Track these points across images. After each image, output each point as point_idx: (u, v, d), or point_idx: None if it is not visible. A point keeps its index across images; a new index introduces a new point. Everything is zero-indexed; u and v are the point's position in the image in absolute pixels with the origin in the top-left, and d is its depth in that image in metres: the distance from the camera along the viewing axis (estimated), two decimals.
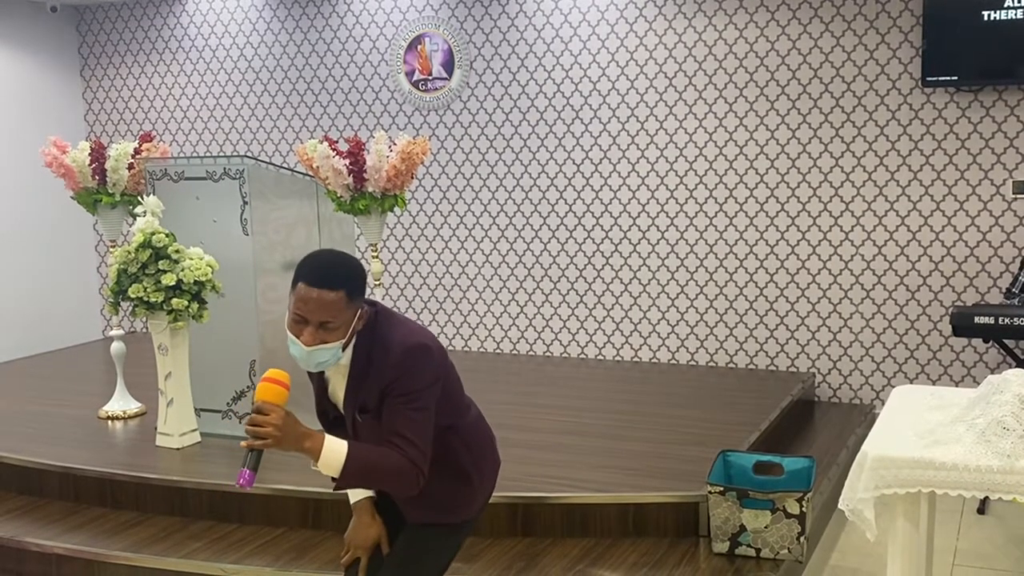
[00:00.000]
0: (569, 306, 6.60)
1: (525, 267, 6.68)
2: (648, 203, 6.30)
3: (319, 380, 2.61)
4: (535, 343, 6.72)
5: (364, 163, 4.54)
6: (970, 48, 5.38)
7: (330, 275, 2.33)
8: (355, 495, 2.67)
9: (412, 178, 4.69)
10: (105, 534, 4.18)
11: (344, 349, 2.40)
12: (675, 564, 3.75)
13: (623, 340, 6.49)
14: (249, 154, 7.25)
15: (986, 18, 5.32)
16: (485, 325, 6.85)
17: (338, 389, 2.55)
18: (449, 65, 6.71)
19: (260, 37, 7.25)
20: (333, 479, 2.39)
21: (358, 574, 2.65)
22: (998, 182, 5.53)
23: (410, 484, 2.39)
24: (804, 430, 5.46)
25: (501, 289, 6.74)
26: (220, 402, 5.00)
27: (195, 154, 7.51)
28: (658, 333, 6.39)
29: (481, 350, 6.87)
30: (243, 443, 2.29)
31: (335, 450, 2.31)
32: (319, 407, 2.66)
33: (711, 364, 6.28)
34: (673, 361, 6.38)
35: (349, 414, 2.53)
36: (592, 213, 6.45)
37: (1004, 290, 5.33)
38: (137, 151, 5.30)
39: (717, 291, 6.20)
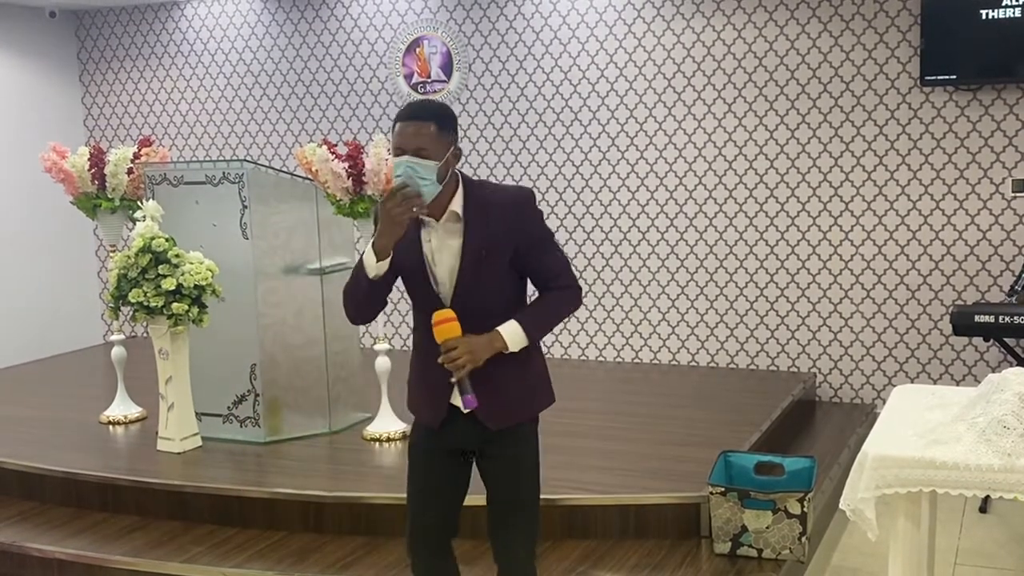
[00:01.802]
0: None
1: None
2: (648, 204, 6.30)
3: (415, 253, 2.70)
4: None
5: (363, 166, 4.55)
6: (968, 47, 5.38)
7: (420, 109, 2.66)
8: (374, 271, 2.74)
9: None
10: (106, 539, 4.18)
11: (441, 182, 2.61)
12: (676, 565, 3.75)
13: (624, 341, 6.49)
14: (248, 158, 7.25)
15: (984, 17, 5.32)
16: None
17: (441, 249, 2.69)
18: (448, 67, 6.71)
19: (259, 41, 7.25)
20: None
21: (425, 478, 2.89)
22: (997, 180, 5.52)
23: (578, 303, 2.84)
24: (805, 430, 5.46)
25: None
26: (221, 406, 5.00)
27: (194, 158, 7.51)
28: (659, 334, 6.39)
29: None
30: (451, 380, 2.64)
31: (513, 331, 2.68)
32: (411, 285, 2.77)
33: (712, 365, 6.28)
34: (674, 362, 6.38)
35: (468, 262, 2.67)
36: (592, 215, 6.45)
37: (1008, 288, 5.32)
38: (136, 156, 5.31)
39: (717, 292, 6.20)
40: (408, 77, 6.82)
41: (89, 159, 5.26)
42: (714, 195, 6.13)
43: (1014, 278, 5.39)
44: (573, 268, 2.85)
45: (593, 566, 3.77)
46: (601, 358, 6.56)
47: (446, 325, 2.63)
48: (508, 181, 6.62)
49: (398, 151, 2.62)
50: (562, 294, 2.79)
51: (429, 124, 2.61)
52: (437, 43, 6.73)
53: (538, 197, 6.47)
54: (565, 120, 6.45)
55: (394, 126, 2.66)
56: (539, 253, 2.74)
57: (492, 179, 6.65)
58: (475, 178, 2.78)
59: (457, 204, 2.68)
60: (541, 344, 2.88)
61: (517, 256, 2.71)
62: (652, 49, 6.19)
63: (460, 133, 6.67)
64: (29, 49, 7.56)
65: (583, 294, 2.82)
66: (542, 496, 3.99)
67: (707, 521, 3.88)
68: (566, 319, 2.84)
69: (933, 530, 3.40)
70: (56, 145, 5.33)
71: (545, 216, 2.87)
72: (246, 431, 4.96)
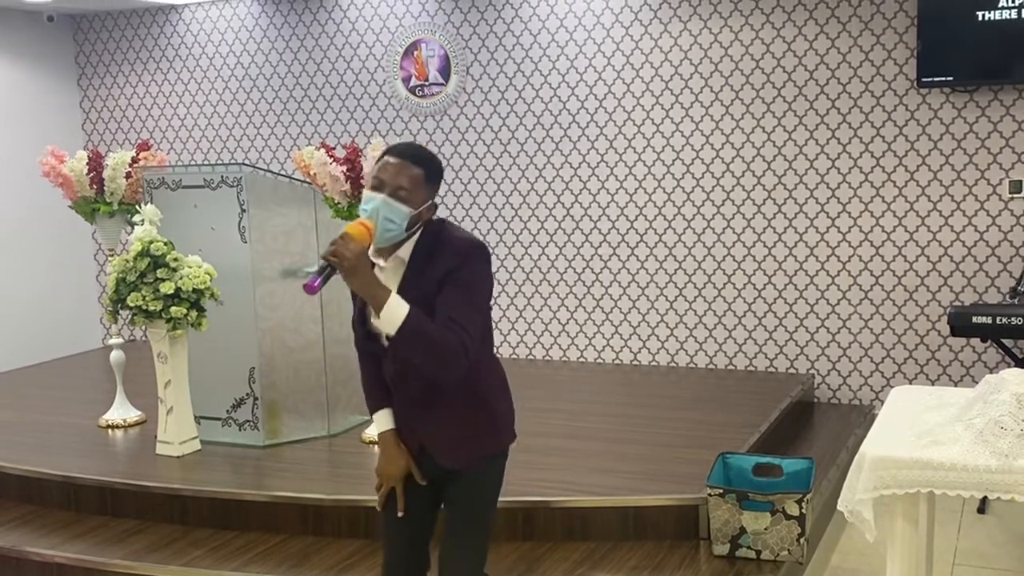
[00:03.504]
0: (568, 310, 6.61)
1: (524, 271, 6.69)
2: (645, 206, 6.31)
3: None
4: (535, 347, 6.72)
5: (361, 169, 4.55)
6: (965, 48, 5.38)
7: (416, 153, 2.55)
8: (380, 425, 2.75)
9: None
10: (106, 543, 4.18)
11: (407, 230, 2.52)
12: (675, 567, 3.75)
13: (622, 343, 6.50)
14: (247, 162, 7.27)
15: (981, 18, 5.33)
16: None
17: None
18: (445, 71, 6.72)
19: (257, 45, 7.26)
20: (387, 338, 2.54)
21: (396, 503, 2.75)
22: (994, 182, 5.53)
23: (454, 364, 2.48)
24: (803, 431, 5.47)
25: (500, 294, 6.75)
26: (220, 409, 5.01)
27: (192, 162, 7.51)
28: (657, 336, 6.39)
29: None
30: (322, 255, 2.44)
31: (399, 304, 2.43)
32: (358, 318, 2.74)
33: (710, 366, 6.28)
34: (672, 364, 6.38)
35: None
36: (590, 217, 6.45)
37: (1010, 291, 5.31)
38: (134, 160, 5.32)
39: (715, 293, 6.20)
40: (406, 80, 6.82)
41: (87, 163, 5.26)
42: (712, 197, 6.14)
43: (1015, 281, 5.40)
44: (471, 336, 2.49)
45: (592, 568, 3.77)
46: (599, 360, 6.57)
47: (358, 225, 2.43)
48: (505, 185, 6.63)
49: (376, 183, 2.51)
50: (446, 331, 2.46)
51: (418, 168, 2.52)
52: (435, 46, 6.73)
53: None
54: (563, 122, 6.45)
55: (380, 158, 2.55)
56: (451, 295, 2.49)
57: (490, 182, 6.66)
58: (438, 219, 2.62)
59: (406, 250, 2.55)
60: (502, 392, 2.75)
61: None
62: (649, 52, 6.20)
63: (458, 137, 6.69)
64: (27, 53, 7.57)
65: (466, 356, 2.49)
66: (539, 499, 4.04)
67: (706, 523, 3.88)
68: (434, 364, 2.49)
69: (931, 531, 3.41)
70: (54, 149, 5.33)
71: (491, 262, 2.61)
72: (245, 434, 4.96)
